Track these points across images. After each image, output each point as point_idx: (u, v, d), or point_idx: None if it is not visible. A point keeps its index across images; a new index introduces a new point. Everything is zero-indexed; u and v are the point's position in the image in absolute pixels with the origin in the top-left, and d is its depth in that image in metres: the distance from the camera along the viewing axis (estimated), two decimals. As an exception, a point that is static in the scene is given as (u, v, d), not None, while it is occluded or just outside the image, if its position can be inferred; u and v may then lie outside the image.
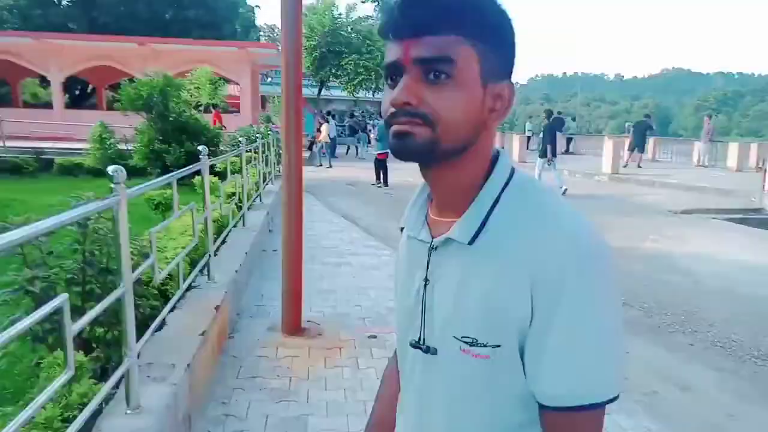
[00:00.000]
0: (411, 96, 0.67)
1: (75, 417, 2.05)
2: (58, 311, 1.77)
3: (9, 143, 14.20)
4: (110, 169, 2.05)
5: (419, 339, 0.79)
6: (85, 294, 2.78)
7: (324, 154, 17.47)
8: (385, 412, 1.01)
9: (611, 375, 0.67)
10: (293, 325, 3.79)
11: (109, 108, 22.12)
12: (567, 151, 23.99)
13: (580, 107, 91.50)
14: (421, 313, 0.79)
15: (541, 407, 0.70)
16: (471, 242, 0.72)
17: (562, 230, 0.67)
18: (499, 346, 0.69)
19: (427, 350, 0.78)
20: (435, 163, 0.72)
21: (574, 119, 27.80)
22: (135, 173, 11.98)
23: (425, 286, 0.78)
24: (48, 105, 21.93)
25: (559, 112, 26.62)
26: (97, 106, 25.72)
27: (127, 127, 12.49)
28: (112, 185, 2.05)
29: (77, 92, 28.17)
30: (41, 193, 9.97)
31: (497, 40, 0.70)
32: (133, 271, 2.27)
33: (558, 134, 23.84)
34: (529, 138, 23.50)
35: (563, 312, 0.65)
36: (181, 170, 3.20)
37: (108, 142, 12.47)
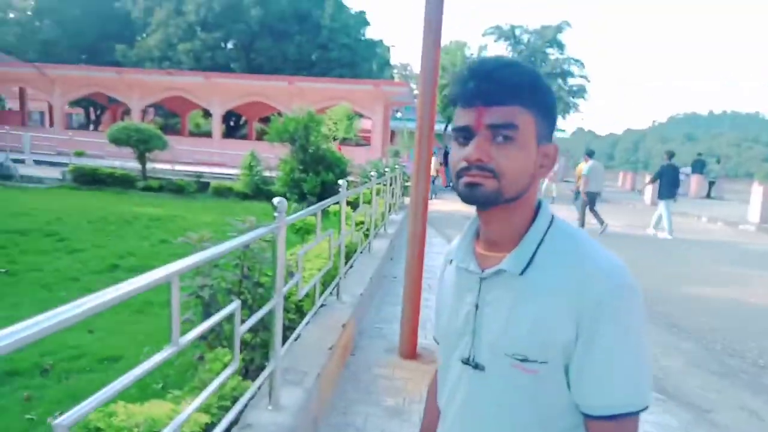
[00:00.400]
0: (483, 154, 0.84)
1: (227, 406, 2.46)
2: (226, 314, 2.17)
3: (177, 167, 16.43)
4: (275, 200, 2.46)
5: (468, 356, 0.93)
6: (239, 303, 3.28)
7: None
8: (431, 423, 1.17)
9: (643, 388, 0.83)
10: (409, 350, 4.04)
11: (258, 138, 24.62)
12: (708, 196, 21.86)
13: (727, 148, 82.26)
14: (471, 333, 0.93)
15: (585, 416, 0.86)
16: (521, 273, 0.88)
17: (599, 268, 0.83)
18: (546, 362, 0.85)
19: (476, 366, 0.92)
20: (495, 207, 0.89)
21: (718, 161, 25.23)
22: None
23: (476, 310, 0.93)
24: (208, 134, 24.95)
25: (699, 154, 24.35)
26: (247, 136, 28.71)
27: (272, 157, 13.90)
28: (275, 214, 2.46)
29: (232, 123, 31.67)
30: (198, 212, 11.44)
31: (547, 110, 0.88)
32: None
33: (698, 177, 21.91)
34: None
35: (603, 336, 0.81)
36: (326, 201, 3.64)
37: (256, 170, 13.94)
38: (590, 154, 12.00)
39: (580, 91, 32.93)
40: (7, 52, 29.99)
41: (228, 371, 2.07)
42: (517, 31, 32.72)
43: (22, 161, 16.51)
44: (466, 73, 0.87)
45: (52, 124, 25.42)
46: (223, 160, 19.33)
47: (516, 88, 0.84)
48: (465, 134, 0.87)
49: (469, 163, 0.85)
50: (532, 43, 32.79)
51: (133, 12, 31.01)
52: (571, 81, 32.48)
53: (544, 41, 32.17)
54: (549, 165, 0.90)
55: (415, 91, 30.59)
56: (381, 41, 36.27)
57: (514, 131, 0.84)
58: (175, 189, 14.22)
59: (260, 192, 13.79)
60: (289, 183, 12.23)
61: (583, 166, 11.85)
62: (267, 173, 14.19)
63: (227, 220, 3.55)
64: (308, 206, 10.06)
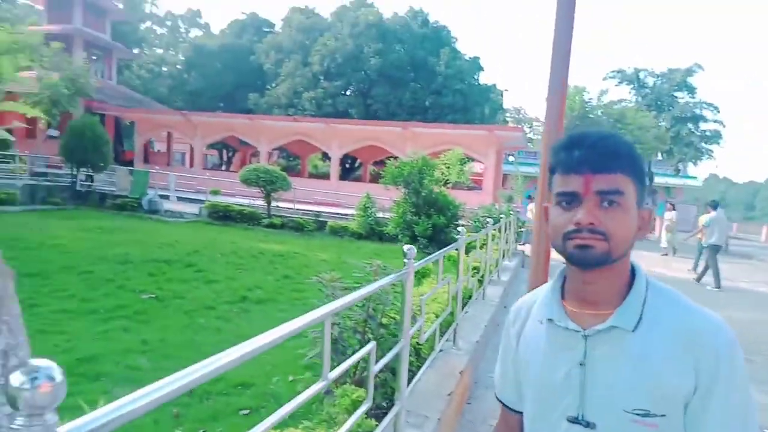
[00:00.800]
0: (594, 218, 0.91)
1: (352, 441, 2.56)
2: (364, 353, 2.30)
3: (297, 206, 17.54)
4: (405, 248, 2.60)
5: (577, 415, 0.95)
6: (364, 342, 3.44)
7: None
8: None
9: None
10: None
11: (372, 180, 25.58)
12: None
13: None
14: (578, 391, 0.95)
15: None
16: (634, 330, 0.92)
17: (710, 324, 0.91)
18: (664, 415, 0.88)
19: (587, 425, 0.94)
20: (600, 268, 0.93)
21: None
22: (388, 240, 13.61)
23: (580, 368, 0.96)
24: (326, 176, 26.40)
25: None
26: (362, 178, 29.93)
27: (385, 199, 14.39)
28: (405, 260, 2.60)
29: (347, 166, 33.29)
30: (316, 249, 12.07)
31: (643, 176, 0.96)
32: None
33: None
34: None
35: (720, 387, 0.87)
36: (447, 248, 3.74)
37: (370, 211, 14.48)
38: (714, 206, 11.58)
39: (715, 137, 30.56)
40: (160, 101, 34.39)
41: (362, 409, 2.19)
42: (642, 74, 31.35)
43: (167, 197, 18.59)
44: (569, 143, 0.95)
45: (192, 164, 28.43)
46: (339, 201, 20.28)
47: (619, 157, 0.92)
48: (569, 199, 0.94)
49: (581, 226, 0.91)
50: (659, 87, 31.17)
51: (266, 64, 34.21)
52: (703, 126, 30.30)
53: (672, 85, 30.47)
54: (645, 228, 0.97)
55: (529, 135, 30.22)
56: (494, 86, 36.47)
57: (621, 197, 0.91)
58: (296, 227, 15.14)
59: (373, 232, 14.26)
60: (401, 225, 12.55)
61: (705, 218, 11.29)
62: (380, 215, 14.67)
63: (355, 263, 3.76)
64: (419, 248, 10.13)
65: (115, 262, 8.47)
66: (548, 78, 3.93)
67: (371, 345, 2.16)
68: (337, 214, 16.82)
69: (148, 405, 0.89)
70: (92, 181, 18.13)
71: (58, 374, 0.66)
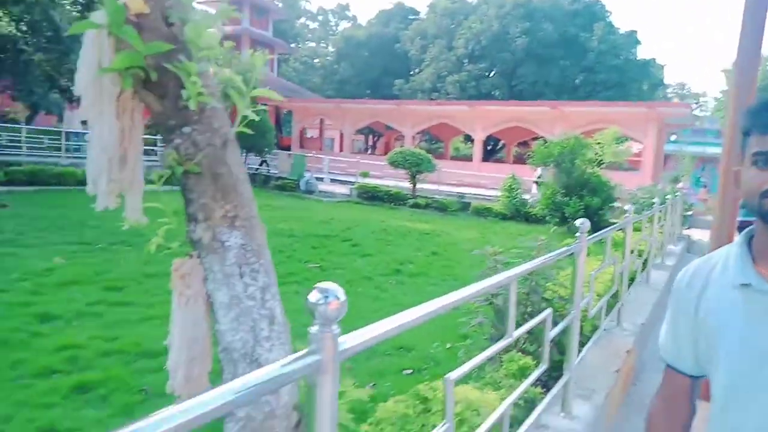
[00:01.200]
0: None
1: (518, 404, 2.66)
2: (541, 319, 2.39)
3: (441, 187, 17.80)
4: (578, 222, 2.61)
5: None
6: (526, 314, 3.50)
7: None
8: None
9: None
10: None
11: (515, 162, 24.95)
12: None
13: None
14: None
15: None
16: None
17: None
18: None
19: None
20: None
21: None
22: (534, 221, 13.27)
23: None
24: (467, 158, 26.34)
25: None
26: (504, 159, 29.31)
27: (530, 180, 14.04)
28: (578, 234, 2.60)
29: (489, 147, 32.80)
30: (461, 229, 12.20)
31: None
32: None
33: None
34: None
35: None
36: (616, 225, 3.65)
37: (515, 192, 14.22)
38: None
39: None
40: (313, 91, 36.84)
41: (538, 371, 2.28)
42: None
43: (321, 179, 20.01)
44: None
45: (341, 149, 30.13)
46: (482, 182, 20.14)
47: None
48: (767, 158, 0.92)
49: None
50: None
51: (410, 51, 34.86)
52: None
53: None
54: None
55: (695, 112, 27.06)
56: (653, 60, 33.18)
57: None
58: (439, 207, 15.41)
59: (518, 213, 14.01)
60: (549, 206, 12.18)
61: None
62: (526, 196, 14.34)
63: (518, 242, 3.80)
64: (571, 230, 9.89)
65: (283, 235, 9.41)
66: (738, 44, 3.59)
67: (548, 311, 2.24)
68: (480, 195, 16.76)
69: (392, 331, 1.08)
70: (267, 166, 20.22)
71: (342, 295, 0.85)
